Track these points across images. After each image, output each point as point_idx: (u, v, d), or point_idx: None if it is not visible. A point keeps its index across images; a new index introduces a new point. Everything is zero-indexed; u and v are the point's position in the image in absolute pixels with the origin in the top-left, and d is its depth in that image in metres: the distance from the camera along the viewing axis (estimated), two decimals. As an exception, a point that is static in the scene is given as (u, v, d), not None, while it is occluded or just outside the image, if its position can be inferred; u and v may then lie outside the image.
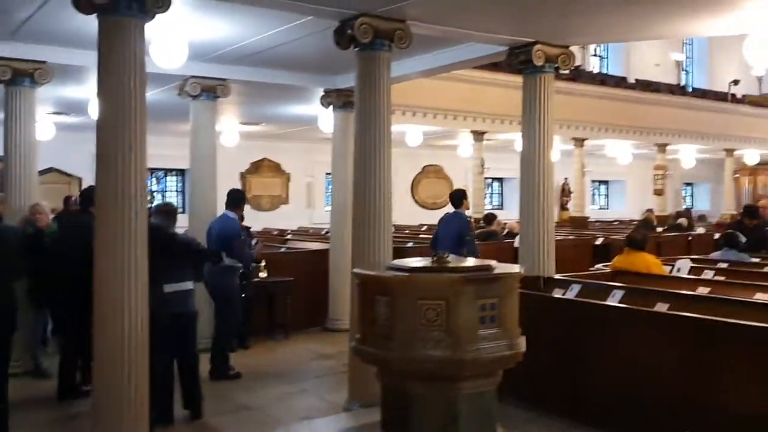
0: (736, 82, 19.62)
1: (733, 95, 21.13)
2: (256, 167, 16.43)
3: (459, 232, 7.56)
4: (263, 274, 8.05)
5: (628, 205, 23.55)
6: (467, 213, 8.46)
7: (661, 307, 5.01)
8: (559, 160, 18.91)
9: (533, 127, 6.05)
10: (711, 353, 4.06)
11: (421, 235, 11.74)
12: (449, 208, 8.03)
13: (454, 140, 15.58)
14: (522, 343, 3.44)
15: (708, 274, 6.60)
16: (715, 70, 25.87)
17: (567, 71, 6.18)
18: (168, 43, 5.70)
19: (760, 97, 22.66)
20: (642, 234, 6.65)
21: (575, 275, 6.17)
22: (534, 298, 5.15)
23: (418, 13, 5.12)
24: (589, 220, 17.47)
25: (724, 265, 7.25)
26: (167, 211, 5.40)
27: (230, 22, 5.73)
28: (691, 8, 5.09)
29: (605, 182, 24.29)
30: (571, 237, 12.07)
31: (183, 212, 10.47)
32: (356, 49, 5.20)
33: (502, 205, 21.12)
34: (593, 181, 23.15)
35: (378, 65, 5.18)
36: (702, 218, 23.11)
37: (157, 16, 4.32)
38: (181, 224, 7.96)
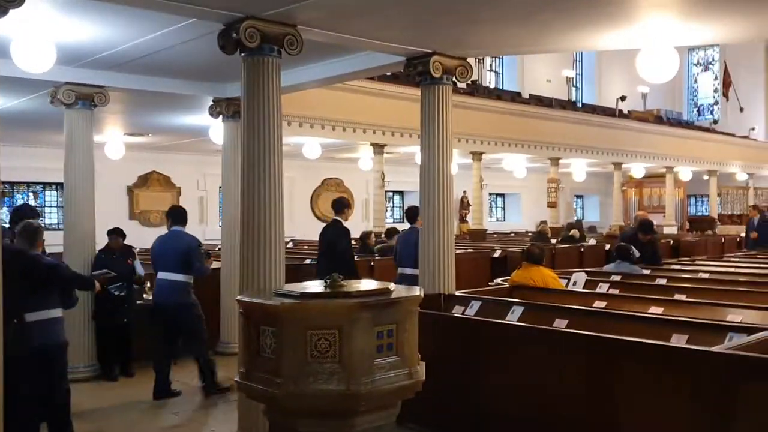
0: (623, 98, 20.51)
1: (620, 111, 22.11)
2: (144, 180, 15.60)
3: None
4: (148, 296, 7.46)
5: (524, 217, 24.16)
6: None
7: (560, 323, 4.93)
8: (457, 173, 19.17)
9: (432, 139, 5.88)
10: (609, 372, 3.95)
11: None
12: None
13: (355, 153, 15.38)
14: (422, 370, 3.20)
15: (603, 288, 6.63)
16: (603, 86, 27.11)
17: (465, 83, 6.06)
18: (31, 44, 5.12)
19: (645, 113, 23.86)
20: (539, 248, 6.61)
21: (475, 291, 6.03)
22: (433, 318, 4.93)
23: (309, 18, 4.82)
24: (488, 232, 17.69)
25: (618, 278, 7.35)
26: (27, 231, 4.81)
27: (103, 23, 5.22)
28: (591, 22, 5.06)
29: (502, 195, 24.83)
30: (470, 250, 12.06)
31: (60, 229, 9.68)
32: (242, 54, 4.84)
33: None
34: (491, 194, 23.60)
35: (266, 71, 4.83)
36: (592, 229, 24.01)
37: (12, 12, 3.80)
38: (58, 242, 7.39)
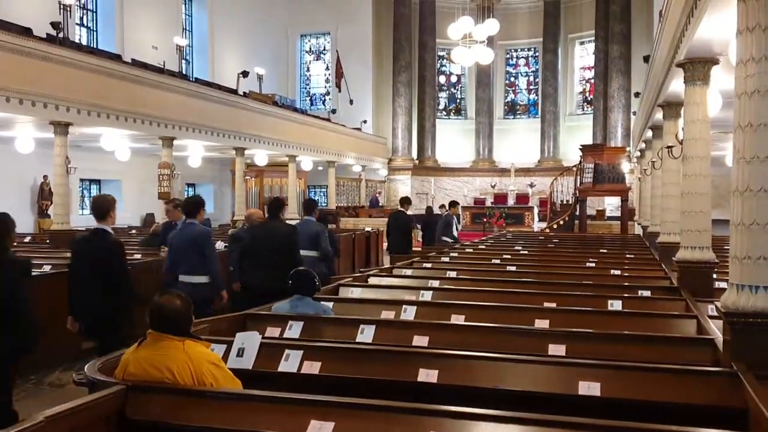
0: (245, 74, 17.96)
1: (236, 91, 19.58)
2: None
3: None
4: None
5: (126, 209, 20.04)
6: None
7: None
8: (34, 152, 14.33)
9: None
10: None
11: None
12: None
13: None
14: None
15: (292, 360, 3.68)
16: (216, 62, 24.26)
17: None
18: None
19: (262, 96, 21.73)
20: (181, 298, 3.23)
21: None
22: None
23: None
24: (78, 230, 13.34)
25: (298, 330, 4.47)
26: None
27: None
28: None
29: (97, 181, 20.25)
30: (47, 268, 7.83)
31: None
32: None
33: None
34: (83, 180, 18.91)
35: None
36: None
37: None
38: None
